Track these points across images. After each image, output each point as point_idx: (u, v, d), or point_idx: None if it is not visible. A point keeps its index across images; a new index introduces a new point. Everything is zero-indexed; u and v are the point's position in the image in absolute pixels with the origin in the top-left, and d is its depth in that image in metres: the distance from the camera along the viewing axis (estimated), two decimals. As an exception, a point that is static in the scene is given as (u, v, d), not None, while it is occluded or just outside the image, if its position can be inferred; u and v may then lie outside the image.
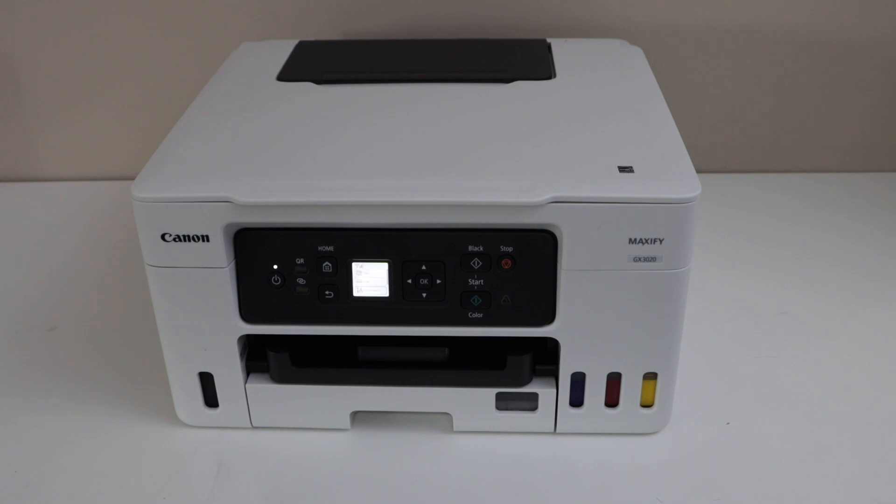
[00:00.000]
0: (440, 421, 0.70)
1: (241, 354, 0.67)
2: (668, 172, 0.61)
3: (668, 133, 0.67)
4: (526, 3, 1.04)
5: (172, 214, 0.60)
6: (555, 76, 0.78)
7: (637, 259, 0.60)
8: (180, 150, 0.66)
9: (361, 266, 0.62)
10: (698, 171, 0.62)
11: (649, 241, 0.60)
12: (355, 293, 0.63)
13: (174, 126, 0.70)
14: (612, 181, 0.60)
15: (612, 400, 0.67)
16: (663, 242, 0.60)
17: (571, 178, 0.60)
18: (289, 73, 0.80)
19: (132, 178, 0.62)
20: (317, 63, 0.85)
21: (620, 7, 1.05)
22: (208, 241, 0.61)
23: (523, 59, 0.84)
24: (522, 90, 0.75)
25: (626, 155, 0.63)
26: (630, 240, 0.60)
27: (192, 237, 0.61)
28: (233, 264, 0.63)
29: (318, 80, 0.78)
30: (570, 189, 0.59)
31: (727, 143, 1.14)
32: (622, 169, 0.61)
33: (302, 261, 0.62)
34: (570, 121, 0.70)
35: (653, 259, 0.60)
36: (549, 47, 0.86)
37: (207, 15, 1.07)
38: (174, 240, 0.61)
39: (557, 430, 0.69)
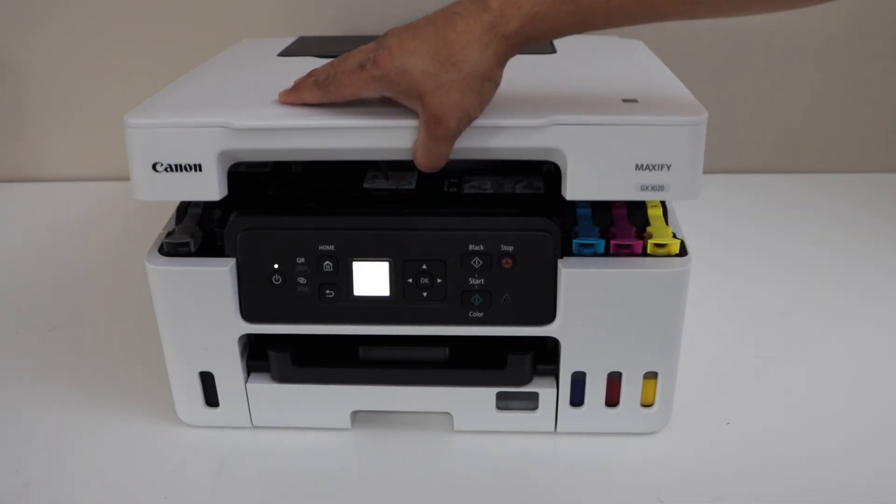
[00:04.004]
0: (440, 421, 0.70)
1: (242, 354, 0.67)
2: (673, 102, 0.61)
3: (669, 79, 0.68)
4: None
5: (165, 141, 0.58)
6: (556, 52, 0.80)
7: (645, 188, 0.58)
8: (177, 91, 0.66)
9: (362, 265, 0.62)
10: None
11: (657, 168, 0.58)
12: (356, 292, 0.63)
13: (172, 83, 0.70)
14: (616, 108, 0.59)
15: (612, 399, 0.67)
16: (671, 169, 0.58)
17: (575, 106, 0.59)
18: (290, 52, 0.81)
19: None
20: (318, 47, 0.85)
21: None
22: (200, 170, 0.59)
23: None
24: (524, 60, 0.75)
25: (630, 92, 0.63)
26: (637, 166, 0.58)
27: (185, 167, 0.59)
28: (233, 263, 0.63)
29: (321, 56, 0.78)
30: (573, 112, 0.58)
31: (728, 143, 1.15)
32: (626, 101, 0.61)
33: (303, 260, 0.62)
34: (573, 76, 0.71)
35: (661, 188, 0.58)
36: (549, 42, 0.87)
37: (208, 16, 1.07)
38: (166, 170, 0.59)
39: (558, 430, 0.69)
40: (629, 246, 0.63)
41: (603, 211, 0.65)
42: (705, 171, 0.59)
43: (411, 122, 0.58)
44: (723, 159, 1.15)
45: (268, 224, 0.62)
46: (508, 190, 0.67)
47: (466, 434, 0.70)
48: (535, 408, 0.68)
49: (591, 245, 0.63)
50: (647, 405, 0.68)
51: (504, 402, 0.68)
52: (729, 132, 1.13)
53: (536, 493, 0.64)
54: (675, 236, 0.64)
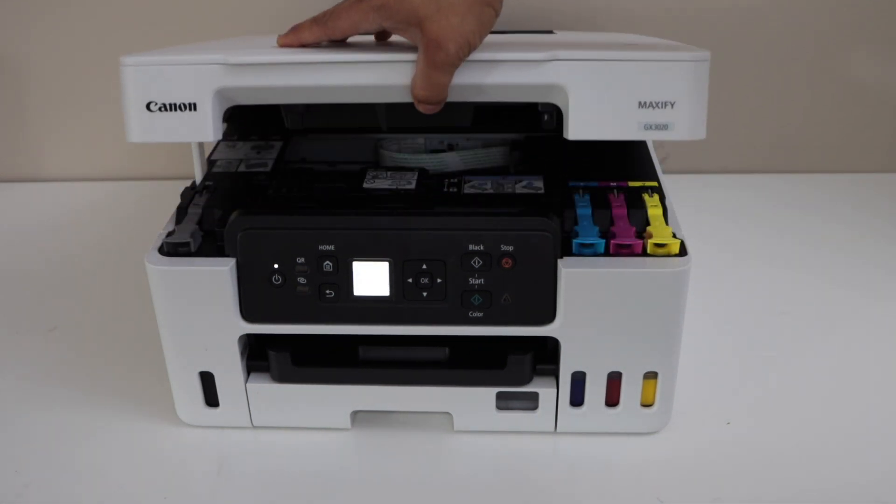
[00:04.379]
0: (440, 421, 0.70)
1: (242, 354, 0.67)
2: (674, 46, 0.62)
3: (669, 42, 0.69)
4: (528, 3, 1.04)
5: (160, 78, 0.58)
6: (554, 33, 0.81)
7: (648, 127, 0.58)
8: (175, 47, 0.66)
9: (362, 265, 0.62)
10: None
11: (660, 105, 0.58)
12: (356, 292, 0.63)
13: None
14: (618, 48, 0.59)
15: (612, 399, 0.67)
16: (675, 106, 0.58)
17: (577, 45, 0.60)
18: None
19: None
20: None
21: (616, 8, 1.06)
22: (195, 109, 0.59)
23: (524, 29, 0.86)
24: (522, 36, 0.77)
25: (632, 42, 0.64)
26: (640, 103, 0.58)
27: (180, 106, 0.58)
28: (233, 263, 0.63)
29: None
30: (575, 49, 0.58)
31: (728, 143, 1.14)
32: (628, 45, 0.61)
33: (303, 260, 0.62)
34: (572, 40, 0.72)
35: (665, 127, 0.58)
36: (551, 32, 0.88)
37: (209, 17, 1.07)
38: (160, 109, 0.59)
39: (558, 430, 0.69)
40: (629, 246, 0.63)
41: (603, 211, 0.65)
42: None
43: (410, 56, 0.58)
44: (723, 159, 1.15)
45: (268, 224, 0.62)
46: (508, 190, 0.67)
47: (466, 434, 0.70)
48: (535, 408, 0.68)
49: (591, 245, 0.63)
50: (647, 405, 0.68)
51: (504, 402, 0.68)
52: (729, 132, 1.13)
53: (536, 493, 0.64)
54: (675, 236, 0.64)
